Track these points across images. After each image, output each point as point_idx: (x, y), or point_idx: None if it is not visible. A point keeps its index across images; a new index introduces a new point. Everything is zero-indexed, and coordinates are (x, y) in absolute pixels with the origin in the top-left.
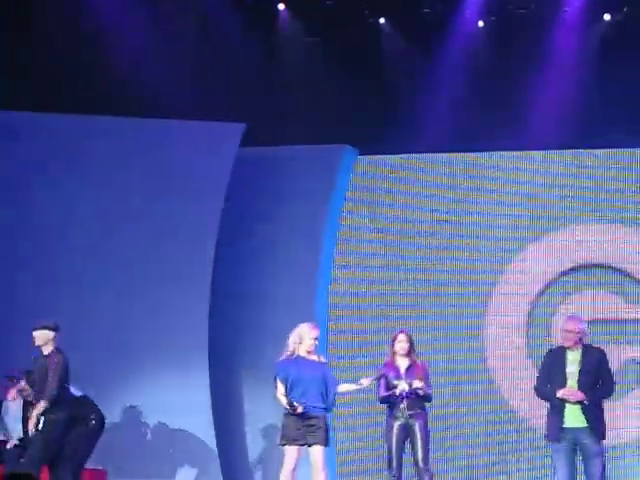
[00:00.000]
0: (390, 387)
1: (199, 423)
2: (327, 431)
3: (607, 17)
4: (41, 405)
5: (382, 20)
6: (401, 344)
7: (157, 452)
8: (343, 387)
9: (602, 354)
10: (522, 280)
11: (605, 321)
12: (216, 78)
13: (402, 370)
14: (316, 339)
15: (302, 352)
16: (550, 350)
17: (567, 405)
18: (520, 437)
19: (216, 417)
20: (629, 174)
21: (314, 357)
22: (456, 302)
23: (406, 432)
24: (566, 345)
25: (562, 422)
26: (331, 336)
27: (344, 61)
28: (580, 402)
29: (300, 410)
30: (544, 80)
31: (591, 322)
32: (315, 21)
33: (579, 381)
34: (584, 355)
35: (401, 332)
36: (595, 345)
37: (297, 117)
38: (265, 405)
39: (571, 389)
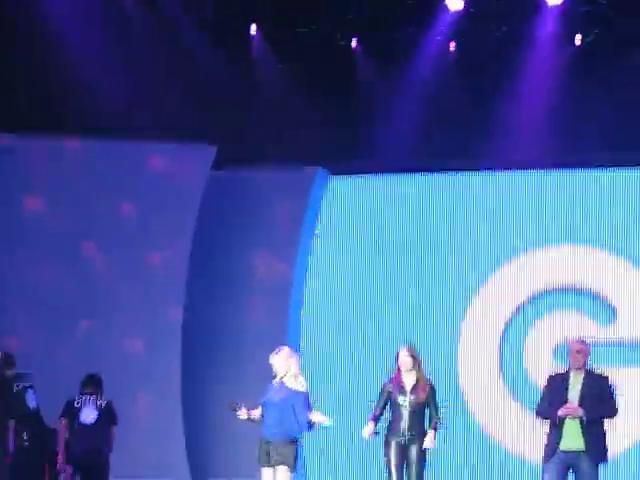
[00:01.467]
0: (394, 404)
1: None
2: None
3: (578, 39)
4: None
5: (354, 43)
6: (403, 359)
7: None
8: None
9: (605, 380)
10: (494, 302)
11: None
12: (184, 98)
13: (408, 388)
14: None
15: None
16: (552, 374)
17: (566, 426)
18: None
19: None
20: (604, 195)
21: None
22: (429, 325)
23: (404, 453)
24: (575, 367)
25: (559, 443)
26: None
27: (316, 83)
28: (580, 421)
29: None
30: (517, 101)
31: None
32: (286, 45)
33: (580, 401)
34: (587, 379)
35: (404, 347)
36: (597, 371)
37: (269, 138)
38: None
39: (571, 404)
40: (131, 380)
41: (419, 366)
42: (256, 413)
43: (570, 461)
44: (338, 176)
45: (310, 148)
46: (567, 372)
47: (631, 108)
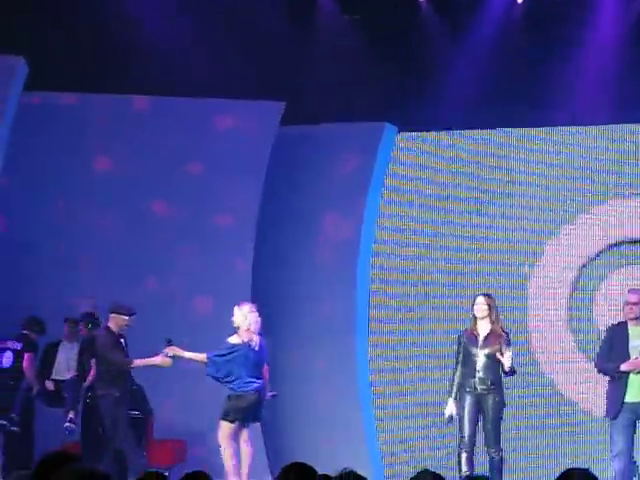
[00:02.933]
0: (467, 354)
1: None
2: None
3: None
4: None
5: None
6: (478, 306)
7: None
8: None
9: None
10: (565, 255)
11: None
12: (253, 56)
13: (480, 338)
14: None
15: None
16: (612, 325)
17: (630, 379)
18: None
19: None
20: None
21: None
22: (496, 280)
23: (478, 408)
24: (629, 318)
25: (623, 397)
26: (372, 311)
27: (381, 38)
28: None
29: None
30: (578, 58)
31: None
32: None
33: None
34: None
35: (480, 295)
36: None
37: (336, 95)
38: None
39: (637, 360)
40: (199, 340)
41: (495, 316)
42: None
43: (636, 412)
44: (405, 132)
45: (377, 102)
46: (625, 323)
47: None
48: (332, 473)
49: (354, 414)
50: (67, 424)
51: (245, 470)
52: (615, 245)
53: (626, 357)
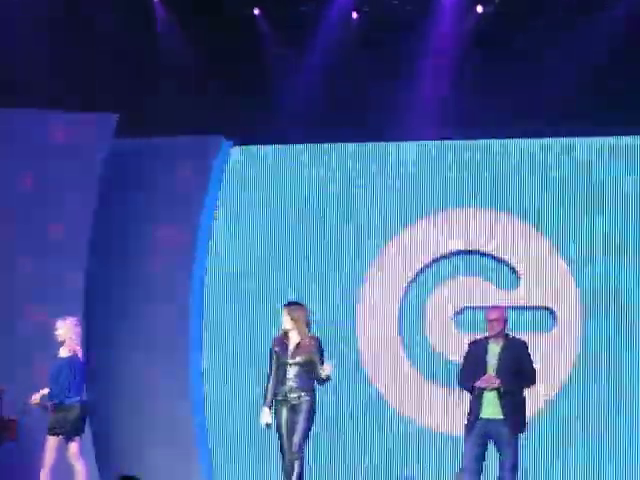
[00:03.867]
0: (279, 364)
1: None
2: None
3: (479, 9)
4: None
5: (256, 11)
6: (283, 318)
7: None
8: None
9: (523, 345)
10: (393, 269)
11: (476, 308)
12: (88, 67)
13: (291, 347)
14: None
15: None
16: (472, 341)
17: (485, 395)
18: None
19: None
20: (505, 162)
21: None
22: (328, 292)
23: (292, 416)
24: (491, 334)
25: (479, 412)
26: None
27: (219, 53)
28: (497, 391)
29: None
30: (417, 77)
31: (464, 309)
32: (188, 14)
33: (499, 372)
34: (505, 346)
35: (284, 306)
36: (517, 336)
37: (171, 107)
38: None
39: (488, 375)
40: (31, 352)
41: (301, 324)
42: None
43: (490, 430)
44: (239, 146)
45: (213, 117)
46: (486, 339)
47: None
48: None
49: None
50: None
51: None
52: (444, 257)
53: (483, 372)
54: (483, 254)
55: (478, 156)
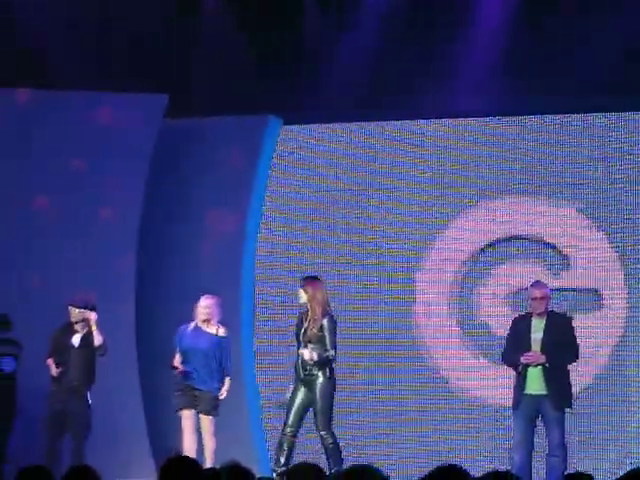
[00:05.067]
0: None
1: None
2: (214, 402)
3: None
4: None
5: None
6: (298, 292)
7: None
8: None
9: (567, 320)
10: (450, 250)
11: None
12: (137, 49)
13: (305, 323)
14: (207, 308)
15: (199, 322)
16: (516, 318)
17: (529, 372)
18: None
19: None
20: (560, 142)
21: (212, 328)
22: (383, 273)
23: (305, 393)
24: (536, 312)
25: (523, 389)
26: (260, 302)
27: (266, 30)
28: (543, 366)
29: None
30: (468, 45)
31: (517, 292)
32: None
33: (543, 347)
34: (549, 322)
35: (302, 279)
36: (561, 312)
37: (221, 88)
38: None
39: (534, 352)
40: None
41: (315, 301)
42: (178, 358)
43: (535, 405)
44: (290, 125)
45: (263, 96)
46: (530, 315)
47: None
48: None
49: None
50: None
51: None
52: (498, 241)
53: (527, 349)
54: (531, 238)
55: (527, 138)
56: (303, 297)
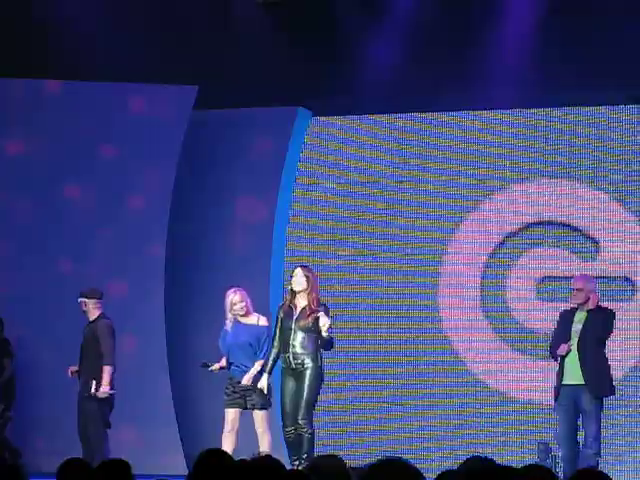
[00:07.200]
0: (283, 330)
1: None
2: (264, 395)
3: None
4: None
5: None
6: (296, 279)
7: None
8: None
9: (608, 314)
10: (475, 238)
11: (557, 277)
12: (167, 40)
13: (297, 311)
14: (241, 302)
15: (238, 317)
16: (563, 311)
17: (566, 362)
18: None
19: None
20: (585, 130)
21: (252, 319)
22: (410, 260)
23: (295, 383)
24: (573, 303)
25: (562, 379)
26: None
27: (295, 22)
28: (580, 357)
29: (214, 368)
30: (499, 38)
31: (544, 278)
32: None
33: (581, 339)
34: (591, 314)
35: (299, 267)
36: (605, 305)
37: (250, 79)
38: None
39: (567, 344)
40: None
41: (312, 288)
42: (224, 361)
43: (573, 396)
44: (319, 117)
45: (292, 87)
46: (575, 308)
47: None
48: None
49: None
50: None
51: None
52: (526, 226)
53: (567, 340)
54: (563, 224)
55: (556, 124)
56: (303, 284)
